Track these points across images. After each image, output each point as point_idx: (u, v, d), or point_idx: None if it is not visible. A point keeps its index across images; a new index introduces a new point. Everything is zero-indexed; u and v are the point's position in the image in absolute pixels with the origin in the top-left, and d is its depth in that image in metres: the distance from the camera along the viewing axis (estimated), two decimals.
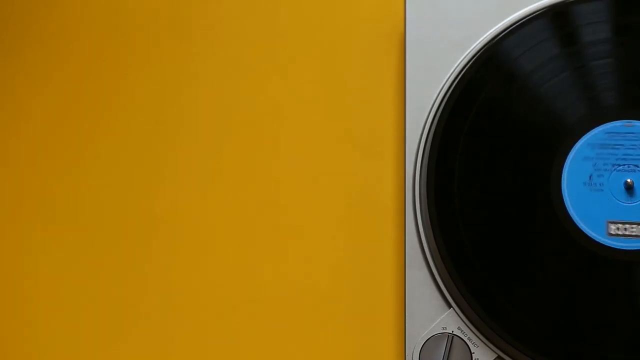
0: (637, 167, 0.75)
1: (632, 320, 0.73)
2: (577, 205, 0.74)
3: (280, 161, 0.83)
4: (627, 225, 0.74)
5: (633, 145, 0.75)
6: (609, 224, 0.74)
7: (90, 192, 0.85)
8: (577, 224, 0.74)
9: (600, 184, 0.74)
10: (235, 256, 0.83)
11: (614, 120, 0.75)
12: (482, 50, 0.78)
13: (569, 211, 0.74)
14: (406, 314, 0.76)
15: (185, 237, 0.83)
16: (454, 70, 0.78)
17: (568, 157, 0.75)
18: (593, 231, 0.74)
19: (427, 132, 0.78)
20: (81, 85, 0.86)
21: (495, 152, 0.76)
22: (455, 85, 0.77)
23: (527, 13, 0.78)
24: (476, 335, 0.75)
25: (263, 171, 0.84)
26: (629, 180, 0.74)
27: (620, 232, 0.74)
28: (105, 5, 0.87)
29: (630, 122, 0.75)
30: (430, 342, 0.75)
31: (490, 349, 0.75)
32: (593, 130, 0.75)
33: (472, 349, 0.75)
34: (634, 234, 0.74)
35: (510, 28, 0.77)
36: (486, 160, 0.76)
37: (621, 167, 0.75)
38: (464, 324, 0.76)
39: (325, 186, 0.83)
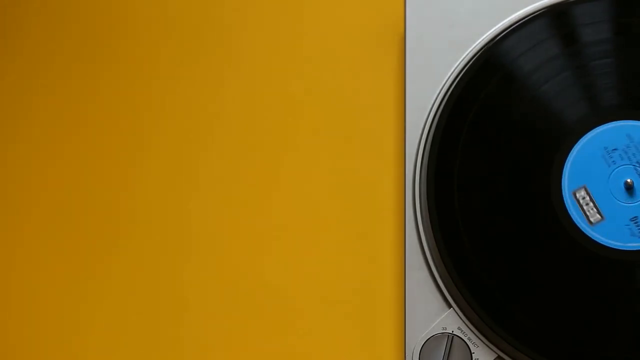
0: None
1: (632, 321, 0.73)
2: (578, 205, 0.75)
3: (279, 162, 0.83)
4: (591, 204, 0.74)
5: None
6: (583, 189, 0.74)
7: (89, 191, 0.85)
8: (577, 224, 0.74)
9: (613, 162, 0.74)
10: (234, 256, 0.83)
11: (613, 120, 0.75)
12: (482, 51, 0.78)
13: (569, 211, 0.74)
14: (406, 314, 0.76)
15: (187, 235, 0.83)
16: (454, 70, 0.78)
17: (569, 156, 0.75)
18: (594, 231, 0.74)
19: (427, 132, 0.78)
20: (101, 88, 0.86)
21: (495, 152, 0.76)
22: (455, 85, 0.77)
23: (527, 13, 0.78)
24: (476, 335, 0.75)
25: (262, 172, 0.84)
26: (629, 180, 0.74)
27: (581, 202, 0.74)
28: (130, 12, 0.87)
29: None
30: (430, 342, 0.75)
31: (490, 349, 0.75)
32: (602, 126, 0.75)
33: (472, 349, 0.75)
34: (587, 212, 0.74)
35: (510, 28, 0.78)
36: (486, 161, 0.76)
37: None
38: (464, 324, 0.76)
39: (325, 186, 0.83)
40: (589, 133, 0.75)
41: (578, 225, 0.74)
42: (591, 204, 0.74)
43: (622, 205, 0.74)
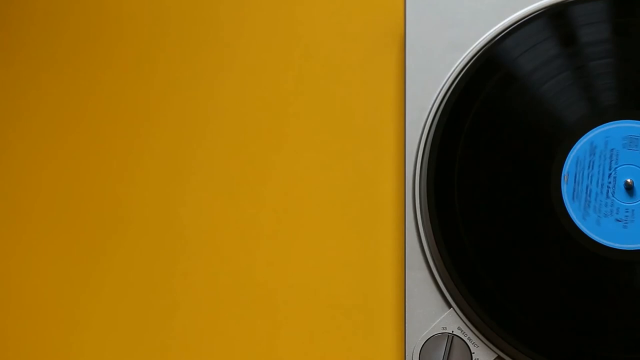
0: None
1: (632, 320, 0.73)
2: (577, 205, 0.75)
3: (280, 162, 0.83)
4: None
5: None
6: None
7: (83, 192, 0.85)
8: (577, 224, 0.74)
9: (611, 205, 0.75)
10: (234, 256, 0.83)
11: (614, 120, 0.75)
12: (482, 51, 0.78)
13: (568, 211, 0.74)
14: (406, 314, 0.76)
15: (187, 235, 0.83)
16: (454, 71, 0.78)
17: (568, 157, 0.75)
18: (593, 232, 0.74)
19: (427, 132, 0.78)
20: (96, 86, 0.86)
21: (495, 152, 0.76)
22: (455, 85, 0.77)
23: (527, 13, 0.78)
24: (476, 335, 0.75)
25: (261, 172, 0.83)
26: (628, 180, 0.74)
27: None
28: (125, 12, 0.87)
29: (567, 174, 0.75)
30: (430, 342, 0.75)
31: (490, 349, 0.75)
32: (602, 126, 0.75)
33: (472, 349, 0.75)
34: None
35: (510, 28, 0.77)
36: (486, 161, 0.76)
37: (610, 184, 0.75)
38: (464, 324, 0.76)
39: (325, 186, 0.83)
40: (588, 133, 0.75)
41: (578, 225, 0.74)
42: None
43: (623, 205, 0.74)
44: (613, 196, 0.74)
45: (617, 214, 0.74)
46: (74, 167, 0.85)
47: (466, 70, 0.77)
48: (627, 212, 0.74)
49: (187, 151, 0.84)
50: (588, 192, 0.74)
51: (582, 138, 0.75)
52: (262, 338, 0.81)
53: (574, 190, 0.74)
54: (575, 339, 0.73)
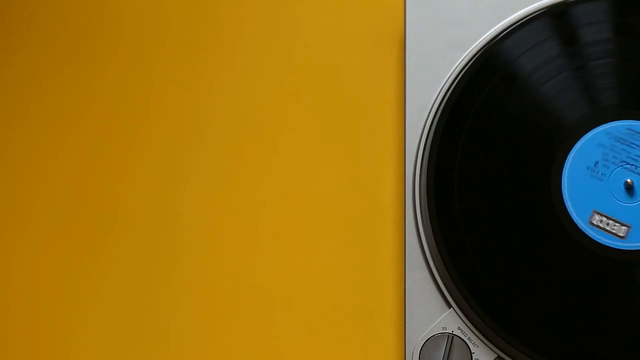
0: None
1: (632, 320, 0.73)
2: (577, 204, 0.74)
3: (279, 162, 0.83)
4: (611, 222, 0.74)
5: None
6: (595, 213, 0.74)
7: (82, 191, 0.85)
8: (578, 225, 0.74)
9: (602, 174, 0.74)
10: (233, 256, 0.83)
11: (613, 120, 0.75)
12: (482, 51, 0.78)
13: (569, 211, 0.74)
14: (406, 314, 0.76)
15: (186, 235, 0.83)
16: (454, 71, 0.78)
17: (569, 156, 0.75)
18: (595, 232, 0.74)
19: (427, 132, 0.78)
20: (96, 86, 0.86)
21: (495, 152, 0.76)
22: (455, 85, 0.77)
23: (527, 13, 0.78)
24: (476, 335, 0.75)
25: (262, 172, 0.84)
26: (629, 180, 0.74)
27: (601, 225, 0.74)
28: (125, 12, 0.87)
29: None
30: (430, 342, 0.75)
31: (490, 349, 0.75)
32: (602, 126, 0.75)
33: (472, 349, 0.75)
34: (613, 231, 0.74)
35: (510, 28, 0.78)
36: (486, 160, 0.76)
37: (629, 166, 0.75)
38: (464, 324, 0.76)
39: (325, 186, 0.83)
40: (588, 133, 0.75)
41: (578, 224, 0.74)
42: (611, 222, 0.74)
43: (623, 206, 0.74)
44: (621, 166, 0.74)
45: (602, 167, 0.74)
46: (74, 167, 0.85)
47: (466, 70, 0.77)
48: (603, 174, 0.74)
49: (187, 151, 0.84)
50: (623, 142, 0.74)
51: (582, 138, 0.75)
52: (262, 338, 0.81)
53: (625, 131, 0.74)
54: (575, 339, 0.73)
